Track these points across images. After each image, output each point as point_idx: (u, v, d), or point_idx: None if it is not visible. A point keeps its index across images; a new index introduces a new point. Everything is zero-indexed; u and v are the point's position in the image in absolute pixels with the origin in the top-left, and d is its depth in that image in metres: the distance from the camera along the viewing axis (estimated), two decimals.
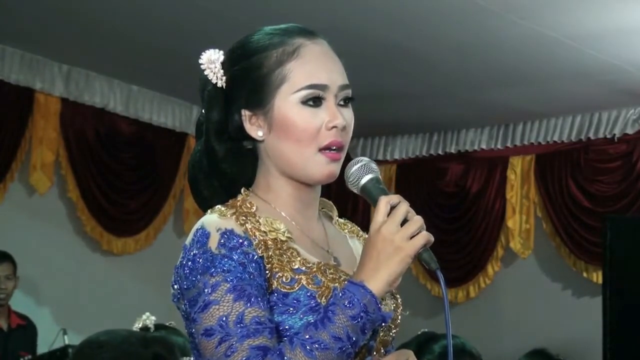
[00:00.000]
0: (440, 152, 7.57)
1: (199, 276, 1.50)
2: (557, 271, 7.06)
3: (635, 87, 6.15)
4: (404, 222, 1.51)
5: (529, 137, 7.10)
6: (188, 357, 2.18)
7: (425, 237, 1.50)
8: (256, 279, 1.49)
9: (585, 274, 6.81)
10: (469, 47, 5.61)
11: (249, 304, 1.46)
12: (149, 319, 2.40)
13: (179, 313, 1.59)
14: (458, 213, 7.41)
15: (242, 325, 1.45)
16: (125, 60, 6.27)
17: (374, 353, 1.59)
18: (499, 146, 7.27)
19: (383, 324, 1.54)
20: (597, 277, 6.56)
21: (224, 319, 1.46)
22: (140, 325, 2.37)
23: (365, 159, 1.61)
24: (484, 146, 7.34)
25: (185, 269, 1.52)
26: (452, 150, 7.50)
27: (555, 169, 7.02)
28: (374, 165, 1.60)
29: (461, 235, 7.28)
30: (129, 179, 6.84)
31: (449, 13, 5.11)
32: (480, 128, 7.34)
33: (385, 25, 5.33)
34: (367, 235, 1.74)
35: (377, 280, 1.49)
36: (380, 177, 1.60)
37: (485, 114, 7.01)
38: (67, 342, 5.38)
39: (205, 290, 1.48)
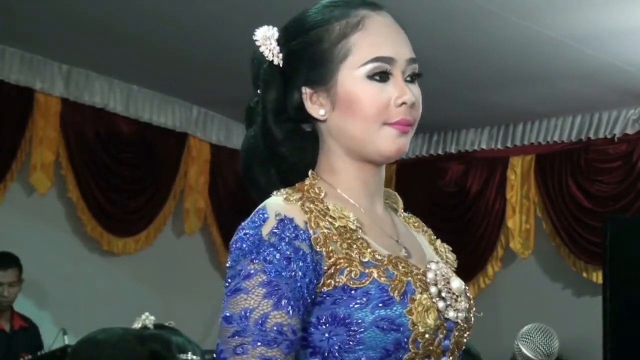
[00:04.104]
0: (440, 152, 7.56)
1: (241, 257, 1.39)
2: (557, 271, 7.06)
3: (635, 87, 6.14)
4: None
5: (529, 137, 7.10)
6: (185, 355, 2.18)
7: None
8: (297, 280, 1.37)
9: (585, 274, 6.81)
10: (469, 47, 5.61)
11: (277, 306, 1.35)
12: (148, 319, 2.39)
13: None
14: (458, 213, 7.41)
15: (262, 328, 1.34)
16: (125, 60, 6.27)
17: (449, 355, 1.49)
18: (499, 146, 7.26)
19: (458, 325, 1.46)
20: (597, 277, 6.55)
21: (247, 312, 1.35)
22: (139, 326, 2.37)
23: None
24: (484, 146, 7.34)
25: (234, 245, 1.42)
26: (452, 150, 7.50)
27: (555, 169, 7.01)
28: None
29: (461, 235, 7.26)
30: (129, 179, 6.83)
31: (449, 13, 5.11)
32: (480, 128, 7.34)
33: None
34: (431, 231, 1.69)
35: None
36: None
37: (485, 114, 7.00)
38: (67, 342, 5.38)
39: (241, 273, 1.37)
